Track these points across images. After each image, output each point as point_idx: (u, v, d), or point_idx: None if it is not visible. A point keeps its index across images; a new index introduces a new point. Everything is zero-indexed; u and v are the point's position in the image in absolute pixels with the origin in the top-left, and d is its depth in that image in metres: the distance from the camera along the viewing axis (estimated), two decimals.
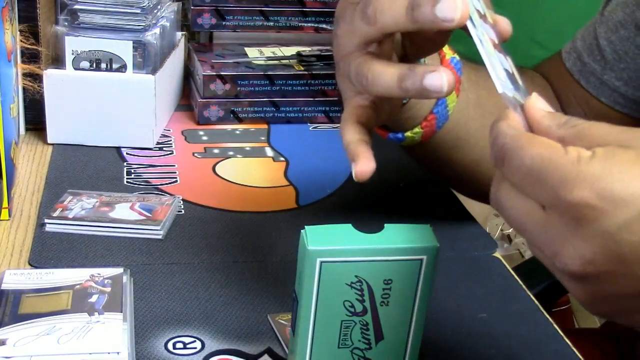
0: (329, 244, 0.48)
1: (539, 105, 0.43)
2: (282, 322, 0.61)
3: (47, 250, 0.69)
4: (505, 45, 0.50)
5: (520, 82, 0.47)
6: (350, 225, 0.49)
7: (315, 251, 0.48)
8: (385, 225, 0.49)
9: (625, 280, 0.40)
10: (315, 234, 0.48)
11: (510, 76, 0.46)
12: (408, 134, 0.66)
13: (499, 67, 0.45)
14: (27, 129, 0.92)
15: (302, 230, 0.48)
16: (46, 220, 0.72)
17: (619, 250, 0.39)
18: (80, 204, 0.74)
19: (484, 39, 0.47)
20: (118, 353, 0.53)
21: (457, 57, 0.66)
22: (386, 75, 0.51)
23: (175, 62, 0.99)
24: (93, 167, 0.85)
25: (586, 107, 0.79)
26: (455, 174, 0.74)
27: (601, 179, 0.38)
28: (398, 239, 0.49)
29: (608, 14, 0.77)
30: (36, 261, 0.67)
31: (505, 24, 0.51)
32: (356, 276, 0.49)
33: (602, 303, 0.42)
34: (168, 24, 0.94)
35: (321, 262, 0.48)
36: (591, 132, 0.41)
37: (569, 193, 0.38)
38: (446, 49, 0.66)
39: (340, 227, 0.49)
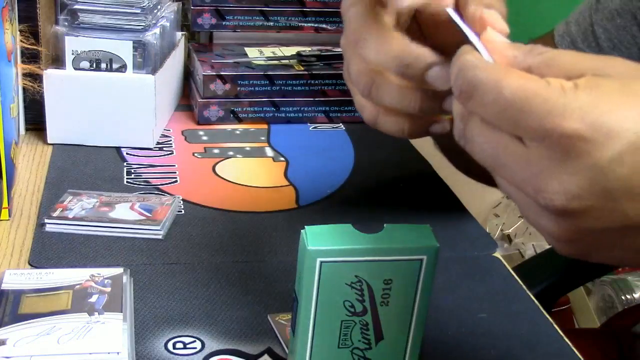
0: (329, 244, 0.48)
1: (497, 37, 0.42)
2: (282, 322, 0.61)
3: (47, 250, 0.69)
4: None
5: None
6: (350, 225, 0.49)
7: (315, 251, 0.47)
8: (385, 225, 0.49)
9: (610, 215, 0.39)
10: (315, 234, 0.48)
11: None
12: None
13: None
14: (27, 129, 0.92)
15: (302, 230, 0.48)
16: (46, 220, 0.72)
17: (608, 184, 0.37)
18: (80, 204, 0.74)
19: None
20: (118, 353, 0.53)
21: None
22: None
23: (175, 62, 0.99)
24: (93, 167, 0.85)
25: None
26: None
27: (592, 110, 0.37)
28: (398, 239, 0.49)
29: (604, 1, 0.76)
30: (36, 261, 0.67)
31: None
32: (356, 276, 0.49)
33: (580, 240, 0.40)
34: (168, 24, 0.94)
35: (321, 262, 0.48)
36: (560, 60, 0.40)
37: (559, 125, 0.37)
38: None
39: (340, 227, 0.49)
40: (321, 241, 0.48)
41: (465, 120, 0.41)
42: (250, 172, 0.87)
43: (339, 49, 1.09)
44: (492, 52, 0.41)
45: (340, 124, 1.01)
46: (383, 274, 0.49)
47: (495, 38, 0.42)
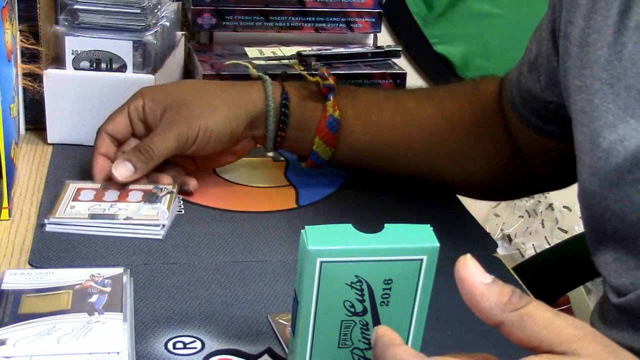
0: (329, 244, 0.48)
1: (476, 274, 0.42)
2: (282, 322, 0.61)
3: (47, 250, 0.69)
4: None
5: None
6: (350, 225, 0.49)
7: (315, 251, 0.47)
8: (385, 225, 0.49)
9: None
10: (315, 234, 0.48)
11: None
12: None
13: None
14: (27, 129, 0.92)
15: (302, 230, 0.48)
16: (46, 220, 0.72)
17: None
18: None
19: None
20: (118, 353, 0.53)
21: (335, 115, 0.79)
22: None
23: (175, 62, 0.99)
24: None
25: (518, 132, 0.80)
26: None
27: None
28: (398, 239, 0.49)
29: (527, 51, 0.77)
30: (36, 261, 0.67)
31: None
32: (356, 276, 0.49)
33: None
34: (168, 24, 0.94)
35: (321, 262, 0.48)
36: (533, 324, 0.41)
37: None
38: (330, 107, 0.79)
39: (340, 227, 0.49)
40: (321, 241, 0.48)
41: None
42: (250, 172, 0.87)
43: (339, 49, 1.09)
44: (469, 294, 0.42)
45: None
46: (383, 274, 0.49)
47: (475, 274, 0.42)
